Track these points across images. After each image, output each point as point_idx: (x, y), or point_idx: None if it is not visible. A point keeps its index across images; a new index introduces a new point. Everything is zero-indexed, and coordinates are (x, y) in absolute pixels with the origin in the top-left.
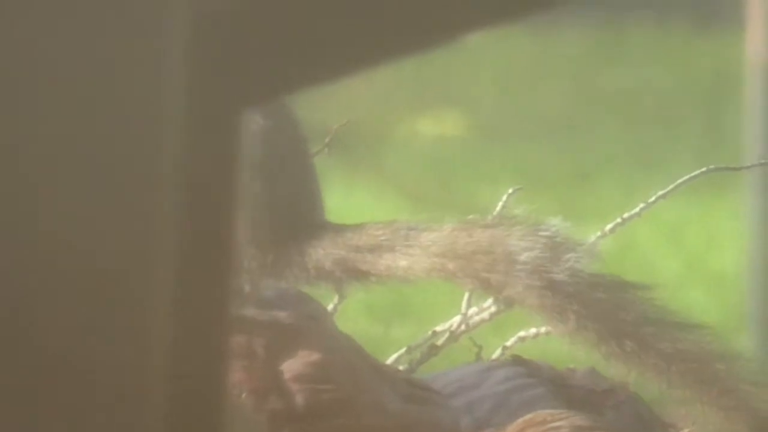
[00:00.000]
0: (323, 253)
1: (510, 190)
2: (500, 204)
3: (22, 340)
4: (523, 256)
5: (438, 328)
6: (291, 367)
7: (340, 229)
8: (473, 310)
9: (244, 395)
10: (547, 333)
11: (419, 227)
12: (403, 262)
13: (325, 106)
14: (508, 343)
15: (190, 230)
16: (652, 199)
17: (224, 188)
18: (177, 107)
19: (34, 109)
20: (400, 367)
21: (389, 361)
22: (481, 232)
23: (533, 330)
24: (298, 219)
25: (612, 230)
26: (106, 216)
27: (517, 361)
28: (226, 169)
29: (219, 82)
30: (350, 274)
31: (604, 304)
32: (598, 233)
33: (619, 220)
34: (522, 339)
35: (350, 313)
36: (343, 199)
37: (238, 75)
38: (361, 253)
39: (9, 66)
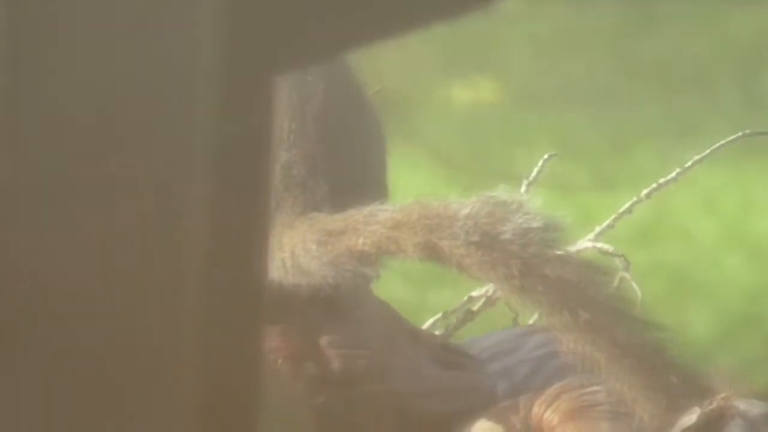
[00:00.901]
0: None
1: (545, 156)
2: (536, 170)
3: (54, 315)
4: (464, 212)
5: (474, 294)
6: (327, 334)
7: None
8: None
9: (280, 361)
10: None
11: (386, 208)
12: (360, 240)
13: (358, 73)
14: None
15: (223, 201)
16: (689, 164)
17: (256, 156)
18: (210, 73)
19: (69, 71)
20: (437, 333)
21: (425, 326)
22: (437, 204)
23: None
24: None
25: (648, 195)
26: (140, 186)
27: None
28: (258, 136)
29: (252, 47)
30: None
31: (562, 275)
32: (634, 199)
33: (654, 185)
34: None
35: (386, 280)
36: None
37: (271, 40)
38: (331, 236)
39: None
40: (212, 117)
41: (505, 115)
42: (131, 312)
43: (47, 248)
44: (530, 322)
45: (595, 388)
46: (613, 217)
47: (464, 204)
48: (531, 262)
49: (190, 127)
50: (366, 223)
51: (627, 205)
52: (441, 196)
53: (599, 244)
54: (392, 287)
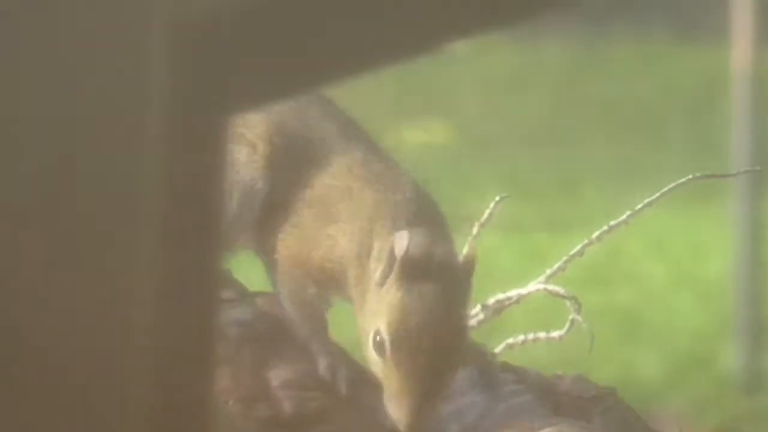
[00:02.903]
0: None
1: (497, 198)
2: (487, 212)
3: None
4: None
5: None
6: (278, 374)
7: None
8: None
9: (231, 403)
10: (535, 340)
11: None
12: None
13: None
14: (497, 350)
15: (175, 236)
16: (639, 206)
17: (208, 190)
18: (160, 113)
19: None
20: None
21: None
22: None
23: (521, 337)
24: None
25: (599, 238)
26: (92, 215)
27: (505, 367)
28: (210, 172)
29: (201, 89)
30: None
31: None
32: (585, 241)
33: (605, 227)
34: (510, 346)
35: (340, 317)
36: None
37: (220, 82)
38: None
39: None
40: (163, 155)
41: (456, 156)
42: (81, 352)
43: None
44: (497, 350)
45: (545, 431)
46: (564, 259)
47: None
48: None
49: (140, 163)
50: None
51: (578, 247)
52: None
53: (550, 287)
54: (347, 325)
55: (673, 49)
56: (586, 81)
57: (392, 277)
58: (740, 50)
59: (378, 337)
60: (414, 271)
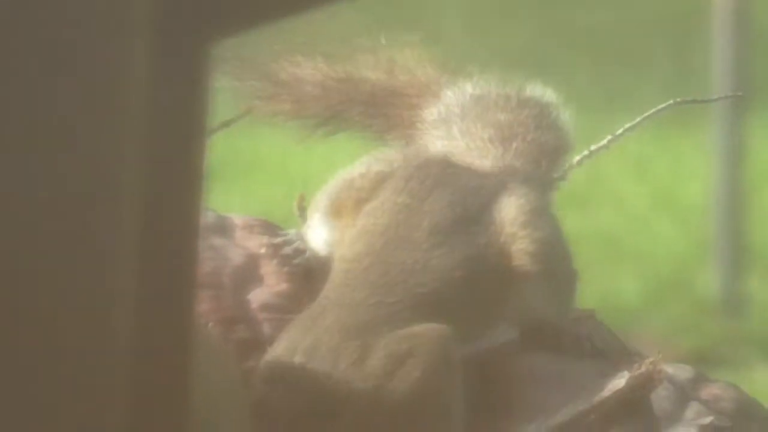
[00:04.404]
0: None
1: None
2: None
3: None
4: None
5: None
6: (258, 296)
7: None
8: None
9: (211, 325)
10: None
11: None
12: None
13: (289, 40)
14: None
15: (157, 161)
16: (620, 131)
17: (190, 117)
18: (145, 38)
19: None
20: None
21: None
22: None
23: None
24: None
25: (580, 162)
26: (75, 147)
27: None
28: (192, 98)
29: (187, 14)
30: None
31: None
32: (566, 165)
33: (586, 152)
34: None
35: None
36: None
37: (206, 7)
38: None
39: None
40: (145, 84)
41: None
42: (63, 274)
43: None
44: None
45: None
46: None
47: None
48: None
49: (124, 92)
50: None
51: (560, 171)
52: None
53: None
54: None
55: None
56: (570, 7)
57: None
58: None
59: None
60: None
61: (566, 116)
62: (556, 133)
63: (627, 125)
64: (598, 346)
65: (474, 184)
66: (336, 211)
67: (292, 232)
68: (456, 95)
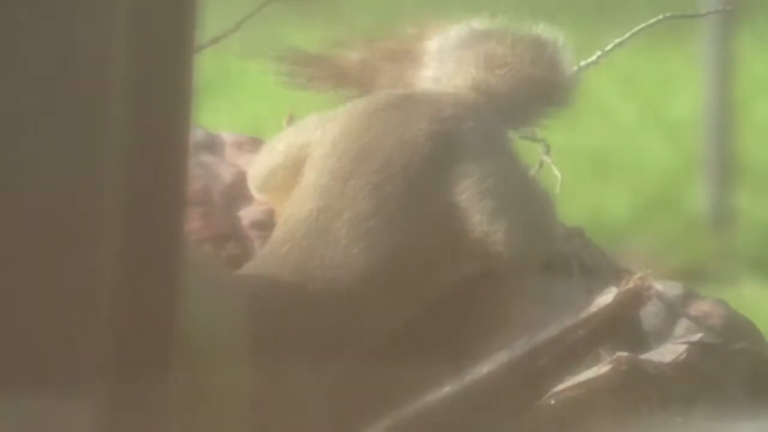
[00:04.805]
0: None
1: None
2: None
3: None
4: None
5: None
6: (248, 213)
7: None
8: None
9: (202, 241)
10: None
11: None
12: None
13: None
14: None
15: (146, 78)
16: (609, 46)
17: (179, 33)
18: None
19: None
20: None
21: None
22: None
23: None
24: None
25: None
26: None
27: None
28: (180, 15)
29: None
30: None
31: None
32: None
33: (575, 68)
34: None
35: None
36: (304, 43)
37: None
38: None
39: None
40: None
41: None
42: (53, 194)
43: None
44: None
45: None
46: None
47: None
48: None
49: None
50: None
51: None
52: None
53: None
54: None
55: None
56: None
57: None
58: None
59: None
60: None
61: (568, 57)
62: (551, 70)
63: (616, 40)
64: (587, 264)
65: (414, 141)
66: (269, 191)
67: None
68: (458, 29)
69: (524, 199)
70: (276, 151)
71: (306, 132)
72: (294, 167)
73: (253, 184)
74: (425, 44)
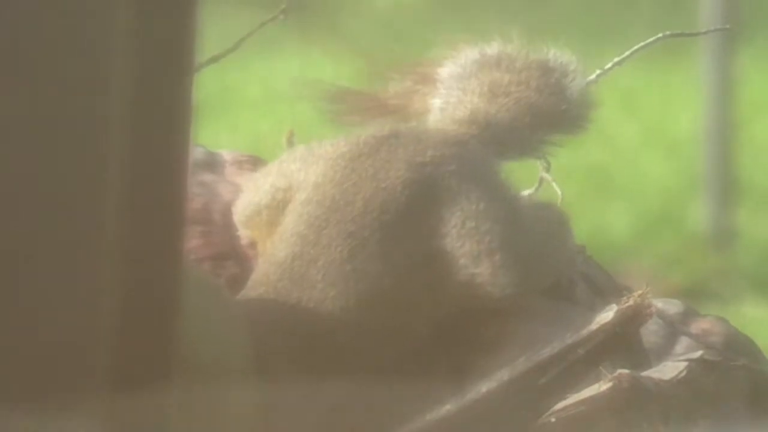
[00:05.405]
0: None
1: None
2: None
3: None
4: None
5: None
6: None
7: None
8: None
9: (201, 261)
10: None
11: None
12: None
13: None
14: None
15: (146, 97)
16: (609, 65)
17: (179, 52)
18: None
19: None
20: None
21: None
22: None
23: None
24: None
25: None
26: (63, 83)
27: None
28: (180, 33)
29: None
30: None
31: None
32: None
33: (587, 94)
34: None
35: None
36: (303, 61)
37: None
38: None
39: None
40: (133, 19)
41: (427, 15)
42: (55, 205)
43: None
44: None
45: None
46: None
47: None
48: None
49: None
50: None
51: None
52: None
53: None
54: None
55: None
56: None
57: None
58: None
59: None
60: None
61: (579, 82)
62: (557, 97)
63: (616, 59)
64: (595, 285)
65: (391, 188)
66: (253, 227)
67: None
68: (469, 54)
69: (511, 236)
70: (261, 191)
71: (290, 175)
72: (278, 208)
73: (238, 220)
74: (438, 70)
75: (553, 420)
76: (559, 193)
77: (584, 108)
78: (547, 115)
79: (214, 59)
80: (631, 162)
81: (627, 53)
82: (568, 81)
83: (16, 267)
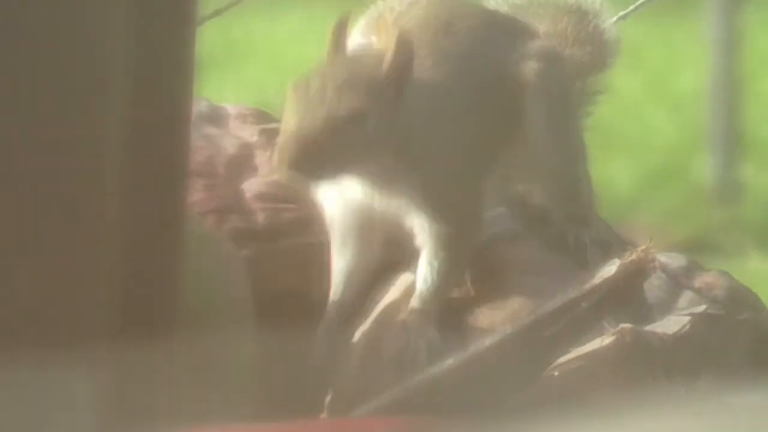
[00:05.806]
0: None
1: None
2: None
3: None
4: None
5: None
6: (252, 186)
7: None
8: None
9: (205, 214)
10: None
11: None
12: None
13: None
14: None
15: (148, 50)
16: (613, 20)
17: (181, 5)
18: None
19: None
20: None
21: None
22: None
23: None
24: None
25: None
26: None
27: None
28: None
29: None
30: None
31: None
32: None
33: (614, 23)
34: None
35: None
36: (306, 15)
37: None
38: None
39: None
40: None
41: None
42: (59, 159)
43: None
44: None
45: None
46: None
47: None
48: None
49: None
50: None
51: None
52: None
53: None
54: None
55: None
56: None
57: None
58: None
59: None
60: None
61: (608, 24)
62: (593, 46)
63: (621, 13)
64: (600, 240)
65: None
66: (375, 28)
67: None
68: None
69: None
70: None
71: None
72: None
73: (358, 25)
74: None
75: (556, 374)
76: None
77: (617, 43)
78: (584, 69)
79: (218, 12)
80: (636, 117)
81: (631, 7)
82: (603, 21)
83: (23, 214)
